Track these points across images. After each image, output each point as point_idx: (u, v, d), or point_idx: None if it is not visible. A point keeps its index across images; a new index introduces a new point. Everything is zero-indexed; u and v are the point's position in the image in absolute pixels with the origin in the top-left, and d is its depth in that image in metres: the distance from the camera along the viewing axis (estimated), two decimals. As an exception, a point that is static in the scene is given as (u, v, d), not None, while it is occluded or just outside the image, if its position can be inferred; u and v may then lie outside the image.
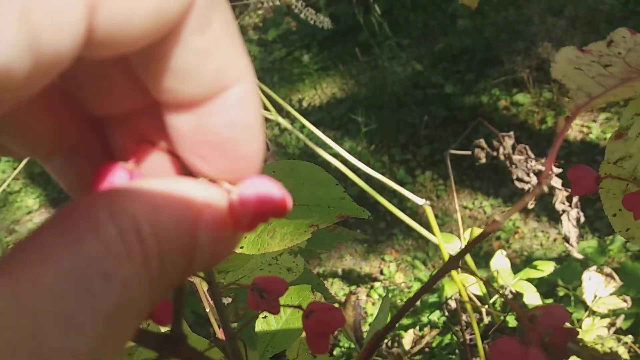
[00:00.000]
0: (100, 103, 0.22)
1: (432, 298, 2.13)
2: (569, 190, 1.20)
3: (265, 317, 0.59)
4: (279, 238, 0.49)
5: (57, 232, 0.17)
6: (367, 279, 2.36)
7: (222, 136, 0.21)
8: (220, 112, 0.20)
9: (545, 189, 0.30)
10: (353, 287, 2.32)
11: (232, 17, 0.20)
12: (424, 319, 1.95)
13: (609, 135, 0.50)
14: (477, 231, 1.24)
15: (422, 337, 1.14)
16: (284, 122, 0.69)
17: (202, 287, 0.55)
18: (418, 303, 2.13)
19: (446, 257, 0.99)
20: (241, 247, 0.50)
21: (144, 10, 0.16)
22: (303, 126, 0.76)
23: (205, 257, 0.20)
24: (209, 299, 0.52)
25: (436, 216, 2.44)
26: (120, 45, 0.17)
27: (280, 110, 0.86)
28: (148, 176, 0.23)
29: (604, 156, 0.51)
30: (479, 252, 2.27)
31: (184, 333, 0.28)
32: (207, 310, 0.51)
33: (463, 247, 1.22)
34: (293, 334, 0.59)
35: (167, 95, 0.20)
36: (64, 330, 0.15)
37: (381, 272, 2.39)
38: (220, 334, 0.50)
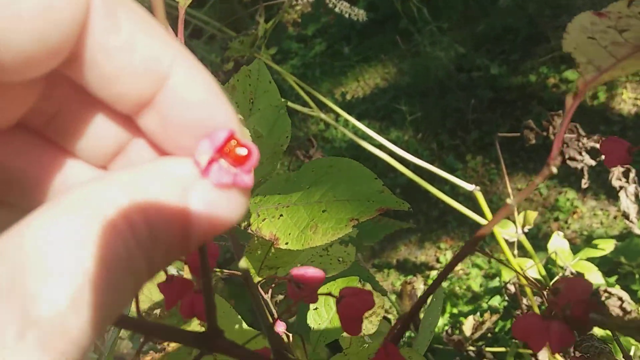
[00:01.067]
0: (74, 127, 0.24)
1: (493, 283, 2.10)
2: (625, 165, 1.16)
3: (316, 308, 0.61)
4: (321, 233, 0.51)
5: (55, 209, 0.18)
6: (423, 268, 2.35)
7: (186, 120, 0.21)
8: (173, 99, 0.21)
9: (554, 170, 0.30)
10: (409, 277, 2.30)
11: (145, 12, 0.21)
12: (484, 305, 1.93)
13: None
14: (531, 214, 1.21)
15: (483, 322, 1.12)
16: (326, 118, 0.69)
17: (255, 280, 0.57)
18: (479, 289, 2.11)
19: (501, 242, 0.98)
20: (286, 244, 0.51)
21: (27, 27, 0.18)
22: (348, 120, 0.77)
23: (204, 223, 0.21)
24: (263, 294, 0.55)
25: (490, 201, 2.40)
26: (28, 62, 0.18)
27: (323, 105, 0.86)
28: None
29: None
30: (537, 234, 2.22)
31: (219, 328, 0.29)
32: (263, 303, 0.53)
33: (518, 231, 1.20)
34: None
35: (121, 101, 0.21)
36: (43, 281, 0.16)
37: (437, 260, 2.37)
38: (275, 326, 0.53)
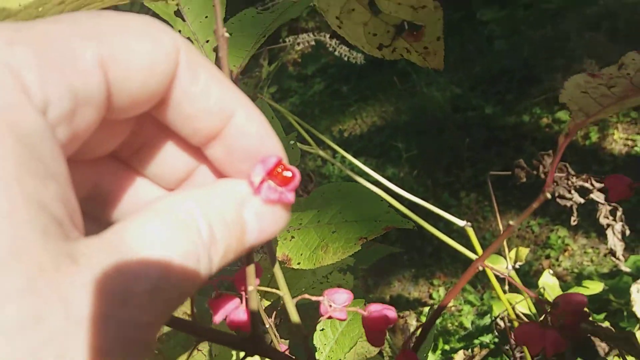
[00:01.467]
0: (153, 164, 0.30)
1: (484, 320, 2.12)
2: (612, 204, 1.20)
3: (322, 329, 0.65)
4: (331, 252, 0.55)
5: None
6: (416, 304, 2.37)
7: (246, 148, 0.27)
8: (236, 132, 0.27)
9: (549, 195, 0.36)
10: (402, 313, 2.32)
11: (215, 67, 0.27)
12: (476, 342, 1.94)
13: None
14: (523, 250, 1.25)
15: (473, 357, 1.14)
16: (323, 154, 0.74)
17: (262, 305, 0.61)
18: (470, 326, 2.12)
19: (492, 278, 1.01)
20: (298, 263, 0.55)
21: (137, 74, 0.23)
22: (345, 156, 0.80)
23: (255, 231, 0.27)
24: (266, 317, 0.58)
25: (484, 238, 2.44)
26: (133, 103, 0.24)
27: (321, 142, 0.90)
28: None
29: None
30: (529, 271, 2.25)
31: (261, 335, 0.34)
32: (267, 326, 0.56)
33: (509, 267, 1.24)
34: (347, 343, 0.66)
35: (196, 135, 0.27)
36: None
37: (430, 297, 2.40)
38: (279, 346, 0.56)
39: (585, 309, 0.37)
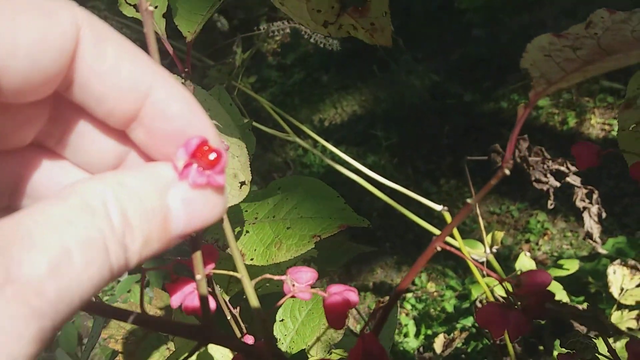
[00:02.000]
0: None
1: (466, 304, 2.15)
2: (588, 187, 1.22)
3: (282, 320, 0.64)
4: (285, 249, 0.54)
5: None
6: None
7: (167, 130, 0.25)
8: (155, 112, 0.25)
9: (507, 172, 0.33)
10: (384, 298, 2.34)
11: (129, 42, 0.25)
12: (458, 325, 1.97)
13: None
14: (499, 234, 1.27)
15: (453, 340, 1.16)
16: (303, 143, 0.74)
17: (223, 297, 0.59)
18: (452, 310, 2.15)
19: (469, 262, 1.02)
20: (251, 259, 0.54)
21: (23, 52, 0.21)
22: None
23: (182, 219, 0.25)
24: (230, 307, 0.57)
25: (464, 223, 2.46)
26: (29, 85, 0.22)
27: (302, 132, 0.91)
28: None
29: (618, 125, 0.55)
30: (509, 255, 2.28)
31: (212, 321, 0.32)
32: (229, 317, 0.55)
33: (487, 251, 1.25)
34: (308, 333, 0.64)
35: (112, 116, 0.25)
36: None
37: (413, 283, 2.42)
38: (242, 336, 0.55)
39: (548, 289, 0.35)
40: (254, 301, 0.43)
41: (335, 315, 0.41)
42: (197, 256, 0.32)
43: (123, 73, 0.24)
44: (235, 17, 4.00)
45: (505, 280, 0.35)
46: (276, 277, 0.43)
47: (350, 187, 2.49)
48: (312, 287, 0.44)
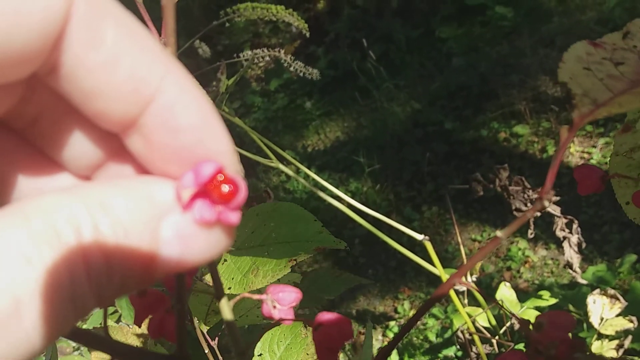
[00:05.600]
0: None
1: (448, 334, 2.14)
2: (568, 217, 1.24)
3: (260, 354, 0.61)
4: (261, 275, 0.53)
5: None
6: (382, 319, 2.37)
7: (172, 146, 0.19)
8: (160, 122, 0.19)
9: (547, 203, 0.28)
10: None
11: (136, 22, 0.19)
12: (441, 355, 1.96)
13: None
14: (478, 263, 1.27)
15: (436, 370, 1.16)
16: (286, 169, 0.74)
17: (201, 328, 0.58)
18: (435, 339, 2.14)
19: (451, 292, 1.02)
20: (229, 288, 0.54)
21: None
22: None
23: (174, 258, 0.19)
24: (209, 340, 0.56)
25: (446, 251, 2.47)
26: None
27: (284, 158, 0.91)
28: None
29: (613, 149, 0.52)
30: (491, 283, 2.29)
31: (188, 352, 0.30)
32: (207, 351, 0.54)
33: (469, 280, 1.26)
34: None
35: (101, 119, 0.20)
36: None
37: (395, 311, 2.41)
38: None
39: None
40: (228, 316, 0.38)
41: (327, 350, 0.34)
42: (180, 281, 0.28)
43: (123, 68, 0.18)
44: (219, 43, 4.03)
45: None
46: (255, 296, 0.38)
47: (333, 214, 2.49)
48: (296, 315, 0.38)
